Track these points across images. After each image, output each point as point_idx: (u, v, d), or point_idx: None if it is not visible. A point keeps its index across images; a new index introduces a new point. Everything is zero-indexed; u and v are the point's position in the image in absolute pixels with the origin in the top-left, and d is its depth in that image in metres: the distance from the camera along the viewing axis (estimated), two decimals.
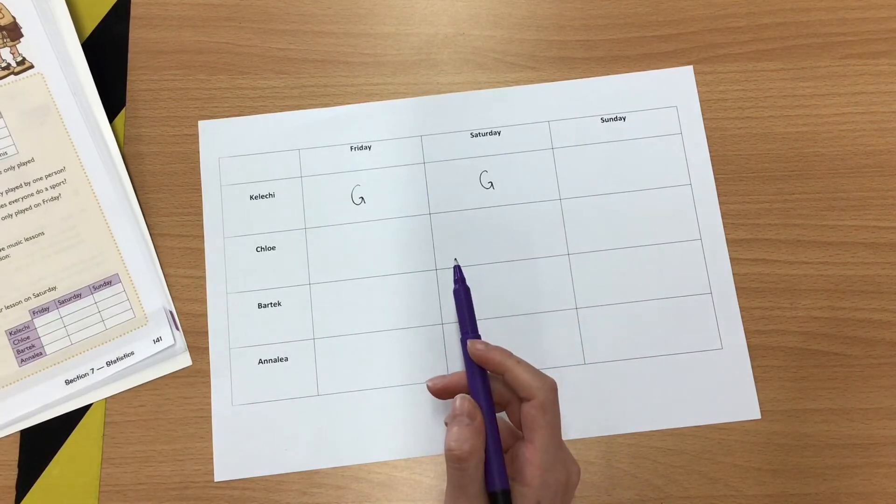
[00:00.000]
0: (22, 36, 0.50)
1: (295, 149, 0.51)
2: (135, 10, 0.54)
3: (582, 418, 0.47)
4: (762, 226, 0.50)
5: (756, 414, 0.47)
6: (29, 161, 0.49)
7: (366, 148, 0.51)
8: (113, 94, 0.52)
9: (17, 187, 0.49)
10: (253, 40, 0.53)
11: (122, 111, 0.52)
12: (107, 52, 0.53)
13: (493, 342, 0.41)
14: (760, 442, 0.46)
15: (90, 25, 0.53)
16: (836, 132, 0.51)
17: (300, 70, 0.53)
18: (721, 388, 0.47)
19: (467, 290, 0.43)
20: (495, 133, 0.51)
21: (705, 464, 0.46)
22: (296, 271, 0.49)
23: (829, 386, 0.47)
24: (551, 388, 0.39)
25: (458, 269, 0.44)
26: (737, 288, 0.49)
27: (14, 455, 0.47)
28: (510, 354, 0.40)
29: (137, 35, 0.53)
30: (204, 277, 0.49)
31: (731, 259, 0.49)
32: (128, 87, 0.52)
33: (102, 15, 0.54)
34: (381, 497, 0.46)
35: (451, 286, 0.48)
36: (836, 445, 0.46)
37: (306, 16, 0.54)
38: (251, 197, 0.51)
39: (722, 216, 0.50)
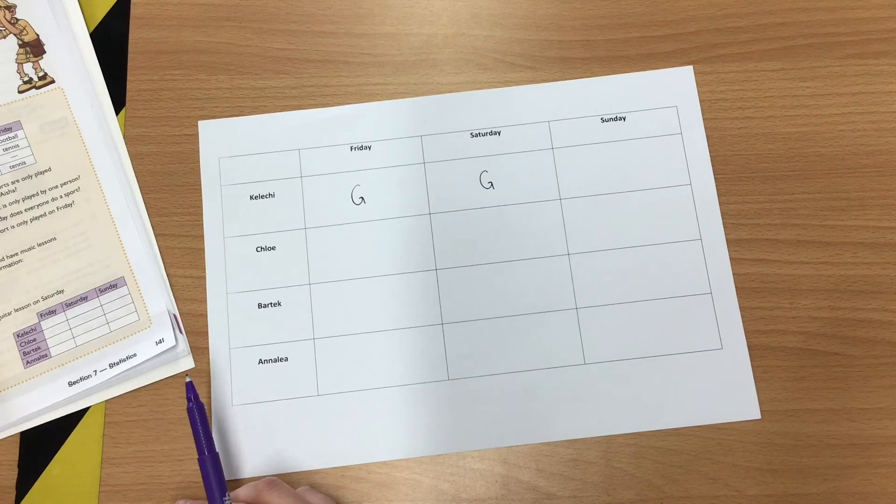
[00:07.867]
0: (44, 52, 0.52)
1: (295, 149, 0.51)
2: (135, 10, 0.54)
3: (582, 418, 0.47)
4: (762, 226, 0.50)
5: (756, 414, 0.47)
6: (46, 170, 0.50)
7: (366, 148, 0.51)
8: (113, 95, 0.52)
9: (33, 195, 0.50)
10: (253, 40, 0.53)
11: (123, 111, 0.52)
12: (107, 53, 0.53)
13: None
14: (760, 442, 0.46)
15: (90, 26, 0.53)
16: (836, 132, 0.51)
17: (300, 70, 0.53)
18: (721, 388, 0.47)
19: (201, 408, 0.44)
20: (495, 133, 0.51)
21: (705, 464, 0.46)
22: (296, 271, 0.49)
23: (829, 386, 0.47)
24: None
25: (190, 386, 0.44)
26: (737, 288, 0.49)
27: (14, 455, 0.47)
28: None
29: (137, 35, 0.53)
30: (204, 277, 0.49)
31: (731, 259, 0.49)
32: (128, 87, 0.52)
33: (102, 15, 0.54)
34: (381, 497, 0.46)
35: (451, 286, 0.48)
36: (836, 445, 0.46)
37: (306, 16, 0.54)
38: (251, 197, 0.51)
39: (722, 216, 0.50)
